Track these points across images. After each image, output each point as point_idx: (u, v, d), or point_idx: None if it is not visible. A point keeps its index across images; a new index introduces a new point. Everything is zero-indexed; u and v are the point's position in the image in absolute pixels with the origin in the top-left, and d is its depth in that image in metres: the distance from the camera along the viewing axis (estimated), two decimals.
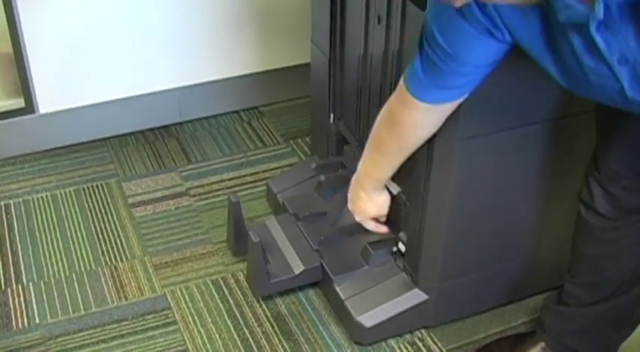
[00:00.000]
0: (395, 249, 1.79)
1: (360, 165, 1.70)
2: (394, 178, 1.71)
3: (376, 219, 1.81)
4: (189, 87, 2.54)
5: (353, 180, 1.75)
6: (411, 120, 1.48)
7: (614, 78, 1.06)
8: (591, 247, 1.55)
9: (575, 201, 1.53)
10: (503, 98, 1.47)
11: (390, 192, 1.76)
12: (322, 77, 1.99)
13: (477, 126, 1.49)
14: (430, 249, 1.68)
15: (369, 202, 1.75)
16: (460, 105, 1.44)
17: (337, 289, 1.77)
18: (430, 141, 1.52)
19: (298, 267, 1.83)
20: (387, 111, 1.53)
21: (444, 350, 1.79)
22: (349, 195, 1.80)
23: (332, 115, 2.03)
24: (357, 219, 1.80)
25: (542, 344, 1.69)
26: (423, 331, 1.83)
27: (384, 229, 1.80)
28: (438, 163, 1.54)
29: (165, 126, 2.57)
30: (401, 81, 1.45)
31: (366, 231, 1.85)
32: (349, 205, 1.80)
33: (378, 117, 1.57)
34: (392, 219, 1.80)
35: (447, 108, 1.43)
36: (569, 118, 1.58)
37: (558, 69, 1.16)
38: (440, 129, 1.49)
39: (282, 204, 2.02)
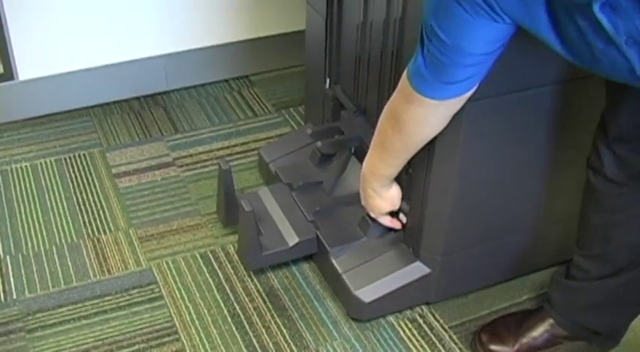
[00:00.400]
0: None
1: (365, 162, 1.61)
2: None
3: (391, 214, 1.71)
4: (177, 54, 2.44)
5: (361, 177, 1.66)
6: (417, 117, 1.40)
7: (625, 58, 1.04)
8: (600, 216, 1.48)
9: (584, 170, 1.46)
10: (511, 59, 1.37)
11: None
12: (318, 39, 1.89)
13: (483, 88, 1.38)
14: (433, 220, 1.59)
15: (379, 199, 1.65)
16: None
17: (334, 262, 1.68)
18: None
19: (292, 239, 1.73)
20: (391, 108, 1.46)
21: (445, 327, 1.70)
22: (360, 192, 1.70)
23: (328, 80, 1.92)
24: (372, 215, 1.70)
25: (550, 320, 1.61)
26: (423, 307, 1.74)
27: (398, 224, 1.70)
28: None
29: (151, 95, 2.47)
30: (403, 76, 1.37)
31: None
32: (362, 202, 1.70)
33: (382, 115, 1.49)
34: None
35: (455, 103, 1.36)
36: (578, 81, 1.49)
37: (567, 50, 1.12)
38: None
39: (274, 173, 1.92)
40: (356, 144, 1.80)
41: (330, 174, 1.84)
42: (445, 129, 1.44)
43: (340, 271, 1.67)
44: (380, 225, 1.70)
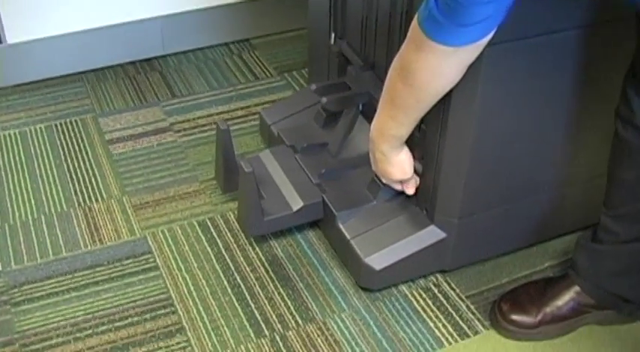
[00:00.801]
0: None
1: (374, 122, 1.48)
2: None
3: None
4: (174, 16, 2.31)
5: (370, 139, 1.53)
6: (429, 67, 1.27)
7: None
8: (630, 171, 1.36)
9: (611, 124, 1.35)
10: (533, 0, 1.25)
11: None
12: None
13: (502, 31, 1.26)
14: (449, 180, 1.46)
15: (389, 164, 1.52)
16: None
17: (341, 227, 1.56)
18: None
19: (297, 203, 1.61)
20: (401, 59, 1.33)
21: (462, 296, 1.58)
22: (370, 156, 1.57)
23: (333, 35, 1.80)
24: (384, 181, 1.58)
25: (577, 288, 1.49)
26: (438, 275, 1.63)
27: (411, 189, 1.57)
28: None
29: (147, 59, 2.34)
30: (414, 23, 1.24)
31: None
32: (373, 167, 1.57)
33: (391, 68, 1.37)
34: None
35: (470, 51, 1.24)
36: (606, 24, 1.37)
37: None
38: None
39: (277, 135, 1.79)
40: (364, 101, 1.67)
41: (337, 135, 1.72)
42: (462, 78, 1.31)
43: (348, 237, 1.55)
44: (391, 187, 1.57)
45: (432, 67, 1.28)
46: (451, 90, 1.34)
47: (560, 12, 1.30)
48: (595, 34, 1.36)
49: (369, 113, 1.60)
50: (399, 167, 1.52)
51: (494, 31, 1.21)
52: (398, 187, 1.58)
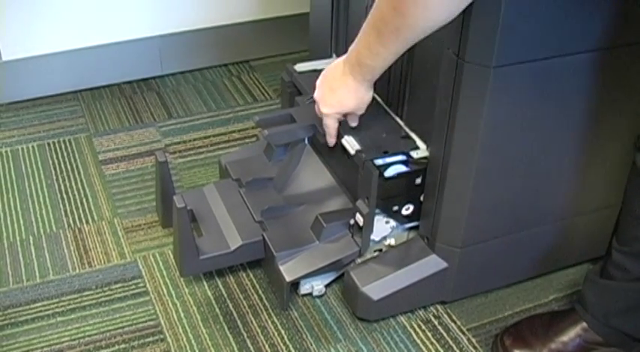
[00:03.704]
0: (352, 221, 1.50)
1: (351, 46, 1.33)
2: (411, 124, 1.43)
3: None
4: (172, 35, 2.28)
5: (336, 62, 1.39)
6: None
7: None
8: None
9: (625, 153, 1.28)
10: (550, 21, 1.20)
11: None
12: (323, 20, 1.72)
13: (515, 52, 1.21)
14: (452, 208, 1.41)
15: (348, 92, 1.37)
16: (497, 26, 1.15)
17: (280, 268, 1.49)
18: (458, 68, 1.23)
19: (235, 242, 1.53)
20: None
21: (463, 329, 1.52)
22: (321, 80, 1.43)
23: (334, 56, 1.75)
24: (324, 110, 1.43)
25: (583, 324, 1.43)
26: (439, 307, 1.56)
27: (332, 138, 1.48)
28: (466, 96, 1.26)
29: (144, 79, 2.30)
30: None
31: (319, 200, 1.57)
32: (316, 93, 1.43)
33: None
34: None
35: None
36: (623, 48, 1.30)
37: None
38: (471, 53, 1.21)
39: (225, 168, 1.72)
40: (309, 134, 1.60)
41: (283, 169, 1.65)
42: (469, 96, 1.25)
43: (287, 279, 1.48)
44: (335, 227, 1.51)
45: None
46: (456, 112, 1.28)
47: (572, 34, 1.24)
48: (610, 58, 1.30)
49: (320, 146, 1.54)
50: (360, 99, 1.39)
51: None
52: (332, 124, 1.46)
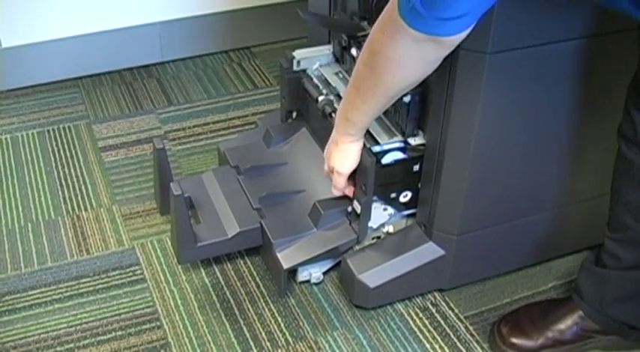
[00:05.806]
0: (350, 208, 1.50)
1: (339, 106, 1.39)
2: None
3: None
4: (172, 22, 2.27)
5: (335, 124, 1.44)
6: (394, 55, 1.18)
7: None
8: (635, 192, 1.28)
9: (615, 140, 1.27)
10: (537, 10, 1.19)
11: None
12: (323, 4, 1.70)
13: (510, 38, 1.20)
14: (448, 195, 1.40)
15: (337, 149, 1.42)
16: (492, 13, 1.14)
17: (278, 255, 1.48)
18: (454, 55, 1.22)
19: (233, 229, 1.53)
20: (370, 43, 1.23)
21: (461, 317, 1.51)
22: (327, 147, 1.48)
23: (332, 42, 1.73)
24: (336, 169, 1.46)
25: (580, 312, 1.42)
26: (436, 294, 1.56)
27: (350, 191, 1.50)
28: (462, 83, 1.25)
29: (144, 66, 2.30)
30: (388, 11, 1.15)
31: (316, 187, 1.56)
32: (325, 154, 1.48)
33: (362, 51, 1.27)
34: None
35: (436, 46, 1.14)
36: (609, 36, 1.29)
37: None
38: (467, 41, 1.19)
39: (223, 154, 1.72)
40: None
41: (282, 156, 1.65)
42: (465, 82, 1.25)
43: (284, 266, 1.48)
44: (333, 214, 1.51)
45: (397, 56, 1.18)
46: (452, 98, 1.27)
47: (562, 21, 1.24)
48: (597, 45, 1.30)
49: (319, 134, 1.53)
50: (344, 156, 1.43)
51: (468, 31, 1.13)
52: (340, 183, 1.48)
